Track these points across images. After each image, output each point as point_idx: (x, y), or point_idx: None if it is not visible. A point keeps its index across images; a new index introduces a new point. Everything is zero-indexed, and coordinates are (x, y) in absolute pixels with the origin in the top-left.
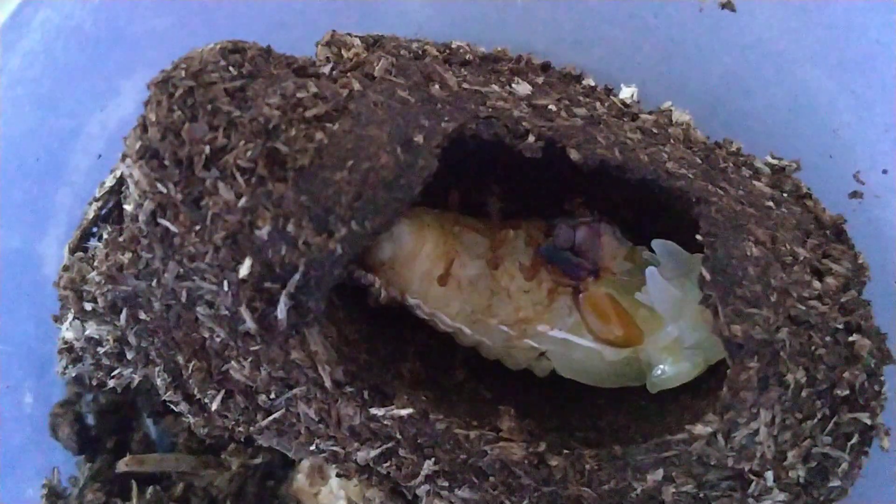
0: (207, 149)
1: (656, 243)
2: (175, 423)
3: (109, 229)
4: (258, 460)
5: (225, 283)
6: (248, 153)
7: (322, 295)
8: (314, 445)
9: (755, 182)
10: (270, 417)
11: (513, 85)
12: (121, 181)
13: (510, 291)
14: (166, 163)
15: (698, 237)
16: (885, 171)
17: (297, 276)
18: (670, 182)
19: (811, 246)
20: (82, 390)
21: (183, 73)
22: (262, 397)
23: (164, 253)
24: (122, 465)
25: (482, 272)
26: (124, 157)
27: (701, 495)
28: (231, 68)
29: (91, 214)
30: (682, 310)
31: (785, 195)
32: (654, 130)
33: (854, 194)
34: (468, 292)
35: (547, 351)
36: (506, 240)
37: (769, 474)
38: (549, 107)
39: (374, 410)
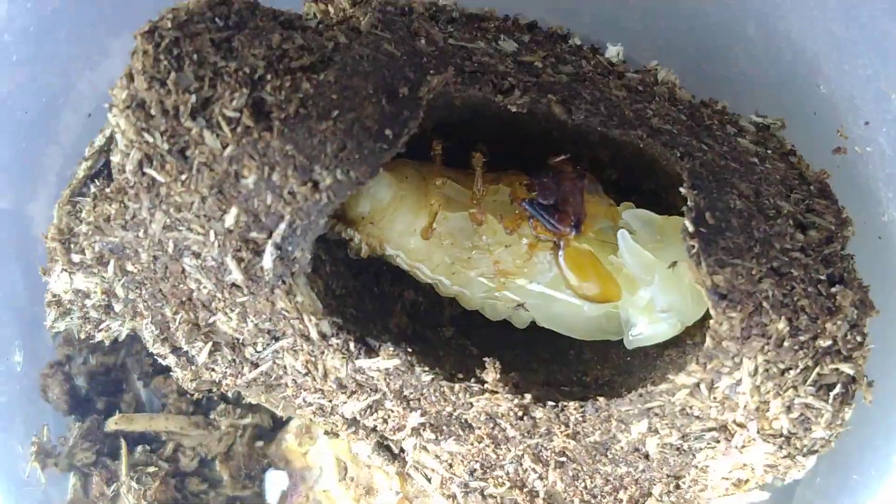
0: (193, 98)
1: (627, 214)
2: (164, 384)
3: (98, 183)
4: (247, 420)
5: (211, 233)
6: (234, 102)
7: (307, 245)
8: (301, 398)
9: (739, 139)
10: (258, 370)
11: (499, 42)
12: (110, 140)
13: (490, 245)
14: (152, 112)
15: (682, 190)
16: (866, 123)
17: (282, 226)
18: (655, 137)
19: (795, 200)
20: (73, 352)
21: (169, 24)
22: (249, 349)
23: (150, 203)
24: (111, 424)
25: (463, 225)
26: (111, 107)
27: (685, 447)
28: (217, 20)
29: (81, 174)
30: (654, 273)
31: (769, 152)
32: (640, 88)
33: (838, 150)
34: (448, 244)
35: (526, 303)
36: (488, 194)
37: (752, 425)
38: (535, 64)
39: (360, 362)
